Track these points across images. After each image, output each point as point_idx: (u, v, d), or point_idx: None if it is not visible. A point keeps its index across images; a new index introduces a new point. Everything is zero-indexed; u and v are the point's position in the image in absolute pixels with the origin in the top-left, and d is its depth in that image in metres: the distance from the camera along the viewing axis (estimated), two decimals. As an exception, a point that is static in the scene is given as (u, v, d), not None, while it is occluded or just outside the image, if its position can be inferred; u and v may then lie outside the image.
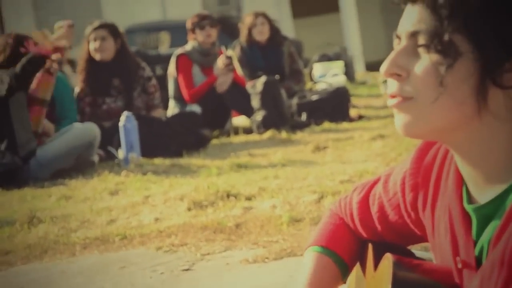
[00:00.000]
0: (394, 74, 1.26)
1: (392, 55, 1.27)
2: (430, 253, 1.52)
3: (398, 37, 1.29)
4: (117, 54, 7.06)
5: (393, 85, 1.27)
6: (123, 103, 7.01)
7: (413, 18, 1.25)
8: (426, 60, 1.23)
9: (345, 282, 1.64)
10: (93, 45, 7.04)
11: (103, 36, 7.02)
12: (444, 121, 1.24)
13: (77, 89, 7.18)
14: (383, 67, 1.27)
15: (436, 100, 1.22)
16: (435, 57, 1.22)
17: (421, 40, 1.23)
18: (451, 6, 1.20)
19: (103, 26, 7.10)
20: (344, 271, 1.61)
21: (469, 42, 1.20)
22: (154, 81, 7.31)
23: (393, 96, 1.27)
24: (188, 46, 8.09)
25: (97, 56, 7.04)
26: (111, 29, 7.11)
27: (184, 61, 7.97)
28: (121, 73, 7.04)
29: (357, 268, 1.65)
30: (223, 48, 8.20)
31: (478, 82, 1.21)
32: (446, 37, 1.20)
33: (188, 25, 8.13)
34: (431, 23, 1.22)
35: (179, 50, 8.19)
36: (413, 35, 1.25)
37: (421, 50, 1.24)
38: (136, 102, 7.07)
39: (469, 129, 1.24)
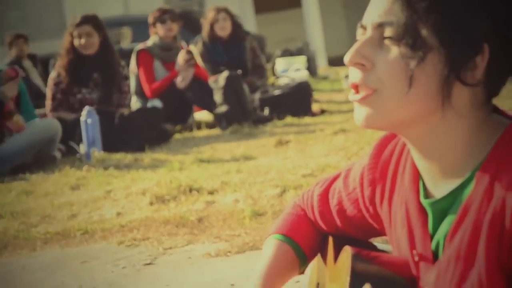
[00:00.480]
0: (358, 64, 1.26)
1: (357, 45, 1.27)
2: (389, 245, 1.53)
3: (363, 27, 1.29)
4: (101, 48, 7.03)
5: (355, 74, 1.27)
6: (98, 96, 6.98)
7: (380, 8, 1.25)
8: (394, 53, 1.23)
9: (302, 273, 1.65)
10: (77, 42, 6.97)
11: (88, 32, 6.97)
12: (406, 115, 1.24)
13: (53, 73, 7.12)
14: (347, 56, 1.27)
15: (405, 94, 1.22)
16: (404, 51, 1.22)
17: (390, 32, 1.23)
18: (427, 1, 1.20)
19: (86, 20, 7.02)
20: (303, 261, 1.62)
21: (437, 38, 1.21)
22: (128, 81, 7.32)
23: (354, 86, 1.27)
24: (149, 42, 8.07)
25: (82, 52, 6.99)
26: (95, 23, 7.05)
27: (145, 57, 7.95)
28: (102, 68, 7.00)
29: (318, 259, 1.67)
30: (184, 43, 8.18)
31: (443, 77, 1.22)
32: (420, 32, 1.20)
33: (150, 19, 8.11)
34: (402, 16, 1.22)
35: (139, 46, 8.17)
36: (380, 26, 1.25)
37: (387, 42, 1.24)
38: (112, 99, 7.05)
39: (429, 123, 1.25)
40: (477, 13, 1.20)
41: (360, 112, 1.27)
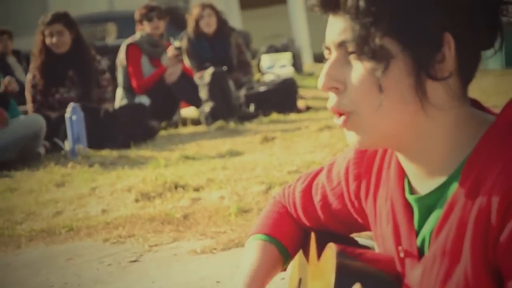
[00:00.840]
0: (332, 88, 1.26)
1: (325, 68, 1.27)
2: (373, 241, 1.53)
3: (328, 48, 1.29)
4: (73, 45, 6.97)
5: (332, 98, 1.27)
6: (77, 94, 6.94)
7: (338, 28, 1.24)
8: (359, 68, 1.23)
9: (284, 269, 1.65)
10: (49, 40, 6.92)
11: (59, 31, 6.90)
12: (391, 125, 1.24)
13: (29, 76, 7.09)
14: (320, 82, 1.27)
15: (379, 107, 1.22)
16: (368, 64, 1.21)
17: (351, 48, 1.23)
18: (373, 12, 1.19)
19: (57, 19, 6.95)
20: (286, 259, 1.62)
21: (397, 42, 1.20)
22: (107, 75, 7.27)
23: (333, 110, 1.27)
24: (137, 36, 8.05)
25: (54, 50, 6.94)
26: (66, 21, 6.97)
27: (134, 51, 7.94)
28: (76, 65, 6.96)
29: (299, 255, 1.67)
30: (171, 40, 8.17)
31: (414, 79, 1.21)
32: (376, 43, 1.20)
33: (136, 16, 8.10)
34: (357, 32, 1.21)
35: (128, 40, 8.15)
36: (341, 44, 1.24)
37: (352, 59, 1.24)
38: (91, 95, 7.02)
39: (414, 127, 1.25)
40: (428, 5, 1.19)
41: (350, 137, 1.27)
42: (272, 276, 1.60)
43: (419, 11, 1.19)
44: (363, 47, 1.20)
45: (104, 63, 7.36)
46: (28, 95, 7.05)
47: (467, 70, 1.25)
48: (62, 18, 6.98)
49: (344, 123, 1.26)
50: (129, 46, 7.97)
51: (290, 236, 1.62)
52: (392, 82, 1.21)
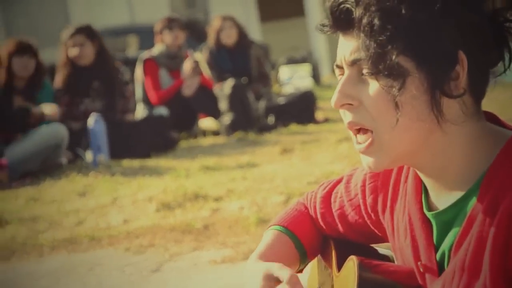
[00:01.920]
0: (345, 105, 1.28)
1: (338, 86, 1.28)
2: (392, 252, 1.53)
3: (339, 67, 1.30)
4: (97, 57, 7.02)
5: (347, 115, 1.29)
6: (102, 105, 6.99)
7: (350, 46, 1.26)
8: (374, 86, 1.24)
9: (301, 271, 1.64)
10: (71, 52, 6.99)
11: (81, 42, 6.94)
12: (408, 143, 1.25)
13: (54, 88, 7.15)
14: (333, 100, 1.28)
15: (396, 124, 1.23)
16: (384, 81, 1.22)
17: (365, 67, 1.23)
18: (389, 30, 1.20)
19: (79, 31, 7.01)
20: (303, 256, 1.60)
21: (412, 60, 1.21)
22: (130, 86, 7.34)
23: (350, 126, 1.28)
24: (155, 50, 8.12)
25: (78, 62, 7.02)
26: (88, 32, 7.03)
27: (151, 65, 8.00)
28: (101, 76, 7.01)
29: (318, 262, 1.66)
30: (190, 52, 8.24)
31: (429, 96, 1.22)
32: (392, 61, 1.21)
33: (157, 27, 8.17)
34: (371, 50, 1.21)
35: (145, 54, 8.22)
36: (354, 63, 1.25)
37: (366, 76, 1.24)
38: (115, 105, 7.07)
39: (430, 143, 1.26)
40: (442, 25, 1.21)
41: (366, 160, 1.28)
42: (285, 263, 1.52)
43: (434, 30, 1.20)
44: (379, 65, 1.22)
45: (128, 74, 7.42)
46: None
47: (478, 86, 1.27)
48: (84, 30, 7.03)
49: (366, 149, 1.27)
50: (146, 61, 8.03)
51: (307, 234, 1.61)
52: (407, 100, 1.22)
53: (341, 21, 1.26)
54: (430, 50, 1.21)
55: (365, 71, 1.24)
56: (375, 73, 1.23)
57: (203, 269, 3.60)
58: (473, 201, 1.25)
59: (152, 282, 3.54)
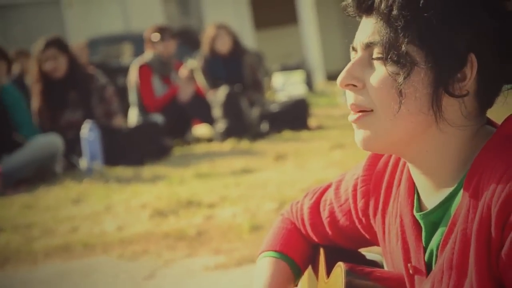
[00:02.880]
0: (350, 85, 1.29)
1: (347, 66, 1.29)
2: (381, 255, 1.55)
3: (354, 49, 1.31)
4: (69, 68, 6.99)
5: (350, 96, 1.30)
6: (82, 114, 6.98)
7: (368, 30, 1.27)
8: (381, 71, 1.25)
9: (296, 286, 1.65)
10: (46, 66, 6.94)
11: (53, 56, 6.93)
12: (402, 132, 1.25)
13: (34, 105, 7.11)
14: (339, 79, 1.29)
15: (397, 111, 1.23)
16: (391, 68, 1.23)
17: (376, 51, 1.25)
18: (405, 18, 1.21)
19: (50, 44, 6.99)
20: (297, 275, 1.63)
21: (423, 53, 1.22)
22: (110, 88, 7.28)
23: (352, 107, 1.30)
24: (148, 56, 8.16)
25: (52, 76, 6.97)
26: (59, 45, 7.01)
27: (146, 71, 8.05)
28: (76, 86, 6.98)
29: (309, 271, 1.68)
30: (184, 59, 8.29)
31: (432, 91, 1.23)
32: (402, 48, 1.23)
33: (147, 36, 8.21)
34: (385, 34, 1.23)
35: (139, 60, 8.26)
36: (368, 46, 1.27)
37: (375, 62, 1.26)
38: (96, 111, 7.06)
39: (425, 138, 1.26)
40: (458, 24, 1.22)
41: (359, 135, 1.30)
42: None
43: (449, 26, 1.22)
44: (390, 50, 1.23)
45: (103, 78, 7.37)
46: (37, 121, 7.08)
47: (486, 95, 1.27)
48: (55, 43, 7.00)
49: (357, 119, 1.28)
50: (140, 67, 8.07)
51: (300, 252, 1.62)
52: (411, 90, 1.24)
53: (364, 3, 1.28)
54: (441, 45, 1.22)
55: (375, 55, 1.26)
56: (384, 58, 1.24)
57: (197, 276, 3.62)
58: (458, 198, 1.26)
59: (145, 288, 3.56)
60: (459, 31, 1.22)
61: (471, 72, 1.23)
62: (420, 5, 1.21)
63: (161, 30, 8.16)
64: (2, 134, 6.39)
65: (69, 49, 7.13)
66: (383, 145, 1.29)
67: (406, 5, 1.22)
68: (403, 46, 1.22)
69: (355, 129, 1.30)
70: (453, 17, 1.22)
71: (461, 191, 1.25)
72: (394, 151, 1.33)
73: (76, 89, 6.97)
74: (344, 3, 1.32)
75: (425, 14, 1.21)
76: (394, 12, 1.22)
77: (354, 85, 1.28)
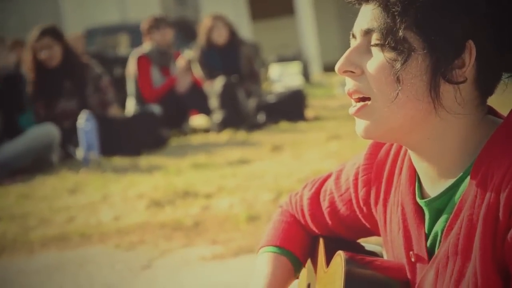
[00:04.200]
0: (348, 71, 1.29)
1: (346, 53, 1.30)
2: (380, 246, 1.55)
3: (354, 36, 1.31)
4: (64, 57, 6.98)
5: (349, 82, 1.30)
6: (77, 103, 6.97)
7: (367, 17, 1.27)
8: (379, 57, 1.25)
9: (297, 278, 1.65)
10: (41, 55, 6.93)
11: (48, 45, 6.91)
12: (402, 119, 1.25)
13: (29, 93, 7.10)
14: (337, 65, 1.29)
15: (394, 98, 1.23)
16: (389, 54, 1.23)
17: (375, 37, 1.25)
18: (403, 4, 1.21)
19: (45, 33, 6.96)
20: (298, 268, 1.63)
21: (420, 39, 1.22)
22: (105, 79, 7.27)
23: (350, 93, 1.30)
24: (147, 47, 8.16)
25: (46, 64, 6.96)
26: (54, 34, 6.99)
27: (144, 62, 8.05)
28: (70, 75, 6.97)
29: (308, 260, 1.67)
30: (181, 50, 8.29)
31: (429, 77, 1.23)
32: (399, 34, 1.21)
33: (144, 27, 8.21)
34: (383, 20, 1.23)
35: (138, 51, 8.26)
36: (367, 32, 1.27)
37: (374, 48, 1.26)
38: (91, 101, 7.03)
39: (426, 126, 1.26)
40: (457, 11, 1.22)
41: (359, 124, 1.30)
42: (286, 286, 1.60)
43: (447, 13, 1.22)
44: (387, 36, 1.23)
45: (98, 68, 7.37)
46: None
47: (485, 82, 1.27)
48: (50, 32, 6.98)
49: (356, 111, 1.28)
50: (139, 58, 8.07)
51: (300, 245, 1.62)
52: (408, 77, 1.24)
53: None
54: (438, 31, 1.22)
55: (373, 41, 1.26)
56: (382, 44, 1.24)
57: (193, 266, 3.62)
58: (464, 186, 1.26)
59: (142, 278, 3.56)
60: (457, 18, 1.22)
61: (469, 59, 1.23)
62: None
63: (157, 20, 8.18)
64: (9, 119, 6.43)
65: (64, 38, 7.11)
66: (383, 132, 1.29)
67: None
68: (400, 31, 1.22)
69: (356, 119, 1.30)
70: (451, 3, 1.22)
71: (467, 179, 1.26)
72: (395, 139, 1.33)
73: (70, 78, 6.96)
74: None
75: (423, 0, 1.21)
76: None
77: (352, 72, 1.28)
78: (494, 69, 1.27)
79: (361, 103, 1.28)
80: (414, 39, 1.22)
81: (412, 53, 1.22)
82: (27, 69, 7.06)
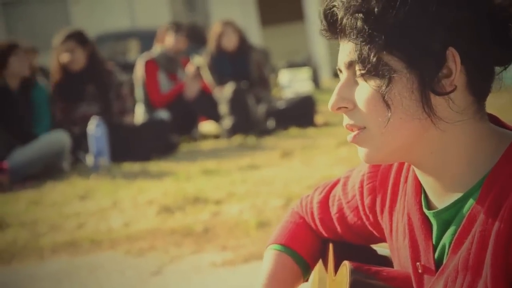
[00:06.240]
0: (342, 108, 1.29)
1: (336, 89, 1.30)
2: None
3: (340, 71, 1.31)
4: (88, 62, 7.04)
5: (345, 118, 1.30)
6: (98, 108, 7.01)
7: (346, 50, 1.27)
8: (365, 87, 1.24)
9: (307, 280, 1.65)
10: (62, 58, 7.00)
11: (71, 48, 6.97)
12: (400, 141, 1.25)
13: (49, 94, 7.16)
14: (330, 103, 1.30)
15: (386, 123, 1.23)
16: (373, 82, 1.23)
17: (357, 68, 1.25)
18: (369, 31, 1.20)
19: (70, 36, 7.04)
20: (305, 270, 1.62)
21: (398, 59, 1.21)
22: (125, 87, 7.34)
23: (347, 127, 1.30)
24: (155, 52, 8.18)
25: (70, 68, 7.02)
26: (79, 38, 7.06)
27: (152, 67, 8.07)
28: (94, 80, 7.03)
29: (320, 267, 1.66)
30: (191, 56, 8.31)
31: (419, 94, 1.21)
32: (373, 59, 1.21)
33: (162, 28, 8.27)
34: (358, 50, 1.23)
35: (146, 56, 8.28)
36: (350, 65, 1.27)
37: (359, 79, 1.25)
38: (112, 107, 7.08)
39: (427, 141, 1.25)
40: (427, 22, 1.20)
41: (360, 151, 1.30)
42: (291, 286, 1.59)
43: (418, 28, 1.20)
44: (366, 65, 1.23)
45: (120, 75, 7.42)
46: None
47: (478, 84, 1.25)
48: (75, 36, 7.05)
49: (353, 139, 1.28)
50: (147, 63, 8.09)
51: (307, 247, 1.61)
52: (397, 98, 1.23)
53: (333, 28, 1.28)
54: (414, 47, 1.21)
55: (357, 73, 1.26)
56: (364, 74, 1.24)
57: (203, 272, 3.62)
58: (474, 200, 1.25)
59: (152, 285, 3.56)
60: (430, 29, 1.20)
61: (455, 66, 1.21)
62: (379, 12, 1.20)
63: (178, 25, 8.26)
64: (23, 126, 6.46)
65: (90, 43, 7.16)
66: (384, 156, 1.28)
67: (365, 17, 1.21)
68: (372, 57, 1.21)
69: (357, 146, 1.30)
70: (421, 16, 1.20)
71: (479, 191, 1.24)
72: (398, 159, 1.33)
73: (94, 83, 7.02)
74: (320, 30, 1.32)
75: (390, 21, 1.20)
76: (358, 27, 1.22)
77: (346, 107, 1.28)
78: (484, 68, 1.25)
79: (357, 131, 1.28)
80: (392, 60, 1.21)
81: (394, 74, 1.21)
82: (52, 72, 7.12)
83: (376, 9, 1.21)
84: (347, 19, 1.24)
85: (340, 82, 1.30)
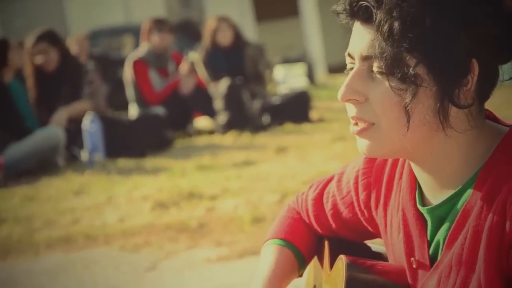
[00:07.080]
0: (352, 100, 1.26)
1: (347, 80, 1.27)
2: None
3: (351, 56, 1.28)
4: (61, 61, 6.96)
5: (352, 108, 1.28)
6: None
7: (365, 39, 1.24)
8: (385, 86, 1.22)
9: (301, 276, 1.66)
10: (36, 60, 6.91)
11: (44, 50, 6.90)
12: (406, 142, 1.25)
13: (31, 98, 7.09)
14: (340, 93, 1.27)
15: (402, 125, 1.22)
16: (395, 84, 1.21)
17: (376, 65, 1.22)
18: (410, 39, 1.18)
19: (41, 37, 6.95)
20: (302, 264, 1.63)
21: (425, 67, 1.20)
22: (93, 73, 7.18)
23: (353, 119, 1.28)
24: (143, 51, 8.14)
25: (44, 69, 6.94)
26: (50, 38, 6.98)
27: (141, 66, 8.02)
28: (68, 80, 6.95)
29: (314, 262, 1.68)
30: (185, 52, 8.29)
31: (438, 104, 1.21)
32: (409, 69, 1.19)
33: (145, 27, 8.19)
34: (388, 53, 1.20)
35: (133, 55, 8.24)
36: (367, 58, 1.24)
37: (376, 74, 1.23)
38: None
39: (430, 144, 1.26)
40: (459, 35, 1.20)
41: (361, 143, 1.29)
42: (288, 280, 1.61)
43: (451, 39, 1.20)
44: (393, 67, 1.21)
45: (90, 65, 7.34)
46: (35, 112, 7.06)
47: (486, 90, 1.26)
48: (46, 37, 6.96)
49: (360, 133, 1.27)
50: (135, 63, 8.04)
51: (304, 241, 1.63)
52: (416, 105, 1.22)
53: (358, 15, 1.25)
54: (445, 59, 1.20)
55: (376, 69, 1.23)
56: (388, 74, 1.22)
57: (198, 268, 3.62)
58: (467, 195, 1.26)
59: (147, 280, 3.56)
60: (461, 41, 1.20)
61: (473, 76, 1.22)
62: (424, 22, 1.19)
63: (160, 22, 8.16)
64: (12, 123, 6.44)
65: (61, 42, 7.09)
66: (386, 152, 1.29)
67: (410, 24, 1.19)
68: (410, 66, 1.19)
69: (358, 138, 1.29)
70: (455, 29, 1.19)
71: (470, 188, 1.25)
72: (397, 156, 1.33)
73: (68, 83, 6.95)
74: (335, 9, 1.29)
75: (429, 32, 1.18)
76: (397, 32, 1.19)
77: (356, 99, 1.26)
78: (493, 77, 1.26)
79: (364, 125, 1.27)
80: (419, 67, 1.20)
81: (420, 86, 1.21)
82: (26, 75, 7.05)
83: (420, 18, 1.19)
84: (388, 21, 1.20)
85: (352, 72, 1.27)
